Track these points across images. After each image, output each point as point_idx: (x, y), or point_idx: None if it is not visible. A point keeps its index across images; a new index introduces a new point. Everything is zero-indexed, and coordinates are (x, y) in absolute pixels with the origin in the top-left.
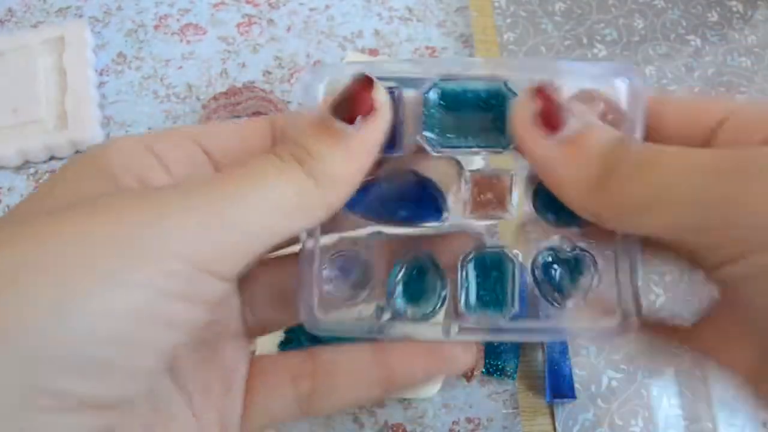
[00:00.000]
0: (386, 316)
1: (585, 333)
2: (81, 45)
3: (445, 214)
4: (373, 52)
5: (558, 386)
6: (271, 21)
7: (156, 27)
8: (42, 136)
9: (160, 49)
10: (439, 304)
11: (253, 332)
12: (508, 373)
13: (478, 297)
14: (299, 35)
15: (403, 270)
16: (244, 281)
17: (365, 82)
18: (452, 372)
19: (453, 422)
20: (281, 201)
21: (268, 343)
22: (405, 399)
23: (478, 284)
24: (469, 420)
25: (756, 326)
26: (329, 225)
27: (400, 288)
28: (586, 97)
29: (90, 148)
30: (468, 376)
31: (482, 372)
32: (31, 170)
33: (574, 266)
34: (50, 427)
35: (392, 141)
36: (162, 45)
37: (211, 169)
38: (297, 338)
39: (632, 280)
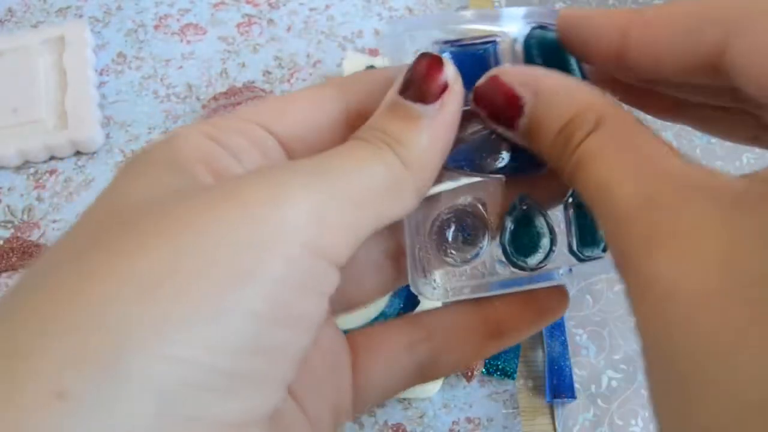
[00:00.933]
0: (498, 271)
1: None
2: (81, 45)
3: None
4: (373, 52)
5: (558, 386)
6: (271, 21)
7: (156, 27)
8: (42, 136)
9: (160, 49)
10: (549, 251)
11: (336, 312)
12: (508, 373)
13: (589, 235)
14: (299, 35)
15: (512, 220)
16: None
17: (434, 62)
18: (552, 320)
19: (453, 422)
20: (383, 184)
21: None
22: (405, 399)
23: (585, 225)
24: (469, 420)
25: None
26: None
27: (508, 238)
28: None
29: (153, 143)
30: (468, 376)
31: (482, 372)
32: (31, 170)
33: None
34: None
35: None
36: (162, 45)
37: (282, 153)
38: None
39: None
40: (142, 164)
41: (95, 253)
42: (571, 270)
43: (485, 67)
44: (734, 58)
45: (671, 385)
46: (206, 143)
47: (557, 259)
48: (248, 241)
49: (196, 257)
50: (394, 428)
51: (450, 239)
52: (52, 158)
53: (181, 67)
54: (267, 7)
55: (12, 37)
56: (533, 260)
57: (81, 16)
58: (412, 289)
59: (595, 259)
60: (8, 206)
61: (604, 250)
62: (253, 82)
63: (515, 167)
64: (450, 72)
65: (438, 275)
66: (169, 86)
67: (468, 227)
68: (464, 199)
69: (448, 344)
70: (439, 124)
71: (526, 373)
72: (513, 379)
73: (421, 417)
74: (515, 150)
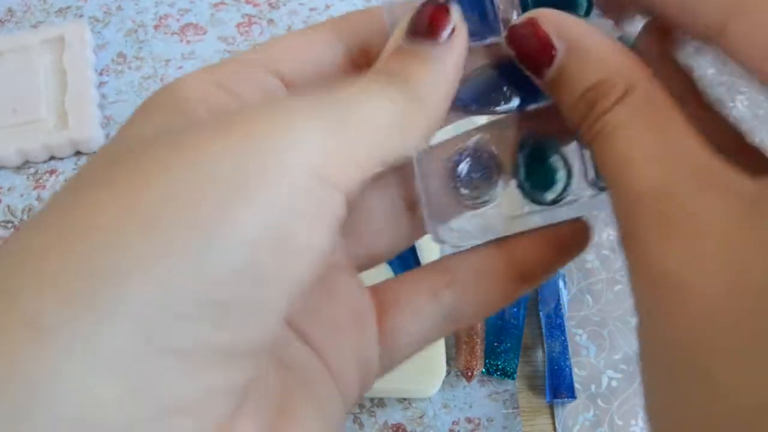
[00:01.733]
0: (519, 209)
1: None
2: (81, 45)
3: None
4: None
5: (558, 386)
6: (271, 21)
7: (156, 27)
8: (42, 136)
9: (160, 49)
10: (566, 184)
11: (358, 266)
12: (508, 373)
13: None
14: None
15: (525, 156)
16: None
17: (441, 4)
18: (577, 254)
19: (453, 422)
20: (390, 118)
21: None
22: (405, 399)
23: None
24: (469, 420)
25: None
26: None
27: (524, 175)
28: None
29: (159, 89)
30: (468, 376)
31: (482, 372)
32: (31, 170)
33: None
34: (183, 387)
35: (489, 27)
36: (162, 45)
37: (286, 93)
38: None
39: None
40: (145, 109)
41: (87, 191)
42: (601, 191)
43: (481, 7)
44: (734, 38)
45: (666, 373)
46: (209, 86)
47: (576, 192)
48: (249, 168)
49: (190, 185)
50: (394, 428)
51: (463, 181)
52: (52, 158)
53: (181, 67)
54: (267, 7)
55: (12, 37)
56: (551, 194)
57: (81, 16)
58: (431, 236)
59: None
60: (8, 206)
61: None
62: None
63: (524, 101)
64: (455, 14)
65: (454, 220)
66: None
67: (481, 167)
68: (474, 139)
69: (472, 288)
70: (446, 63)
71: (526, 373)
72: (513, 379)
73: (421, 417)
74: (522, 84)
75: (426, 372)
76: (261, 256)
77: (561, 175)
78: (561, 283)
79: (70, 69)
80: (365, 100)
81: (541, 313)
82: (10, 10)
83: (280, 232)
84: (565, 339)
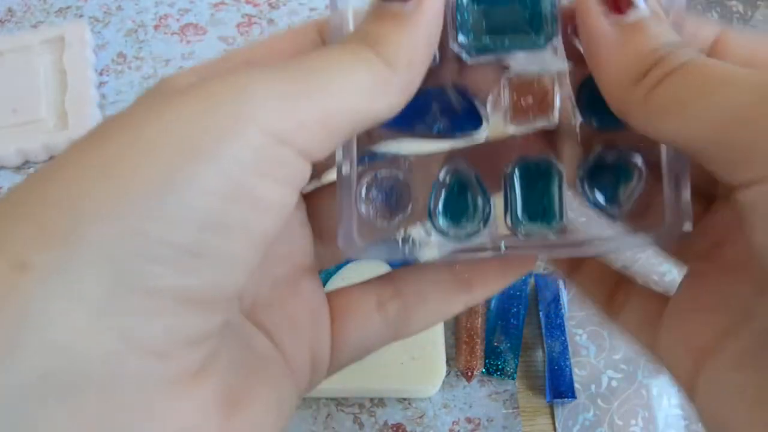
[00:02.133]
0: (428, 236)
1: (633, 243)
2: (81, 45)
3: (484, 124)
4: None
5: (558, 386)
6: (271, 21)
7: (156, 27)
8: (42, 136)
9: (160, 49)
10: (483, 222)
11: (322, 263)
12: (508, 373)
13: (525, 210)
14: None
15: (443, 187)
16: (312, 216)
17: None
18: (521, 275)
19: (453, 422)
20: (360, 82)
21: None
22: (405, 399)
23: (523, 197)
24: (469, 420)
25: (756, 252)
26: (366, 144)
27: (441, 207)
28: None
29: (149, 89)
30: (468, 376)
31: (482, 372)
32: (31, 170)
33: (620, 173)
34: (152, 328)
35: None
36: (162, 45)
37: None
38: None
39: (679, 188)
40: (137, 99)
41: (65, 154)
42: (505, 248)
43: None
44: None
45: None
46: (194, 80)
47: (491, 234)
48: (207, 125)
49: (153, 139)
50: (394, 428)
51: (374, 203)
52: (52, 158)
53: (181, 67)
54: (267, 7)
55: (12, 37)
56: (466, 228)
57: (81, 16)
58: (340, 248)
59: (539, 234)
60: None
61: (548, 223)
62: None
63: (452, 129)
64: None
65: (362, 238)
66: None
67: (394, 192)
68: (396, 162)
69: (418, 299)
70: (420, 21)
71: (526, 373)
72: (513, 379)
73: (421, 417)
74: (452, 113)
75: (426, 372)
76: (220, 206)
77: (478, 209)
78: (561, 283)
79: (70, 69)
80: (334, 64)
81: (541, 313)
82: (10, 10)
83: (237, 185)
84: (565, 339)
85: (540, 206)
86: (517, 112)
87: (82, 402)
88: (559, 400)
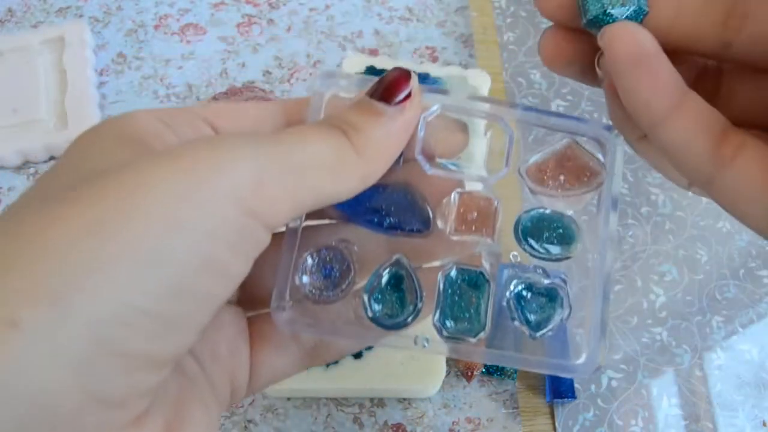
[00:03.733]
0: (359, 318)
1: (548, 368)
2: (81, 45)
3: (430, 229)
4: (373, 52)
5: (558, 386)
6: (271, 21)
7: (156, 27)
8: (42, 136)
9: (160, 49)
10: (412, 316)
11: (245, 305)
12: (508, 373)
13: (453, 314)
14: (299, 35)
15: (382, 276)
16: None
17: (404, 72)
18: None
19: (453, 422)
20: (327, 161)
21: None
22: (405, 399)
23: (453, 302)
24: (469, 420)
25: None
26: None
27: (377, 294)
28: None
29: (100, 122)
30: (468, 376)
31: (482, 372)
32: (31, 170)
33: (546, 298)
34: (117, 385)
35: None
36: (162, 45)
37: None
38: None
39: (602, 318)
40: (93, 137)
41: (53, 207)
42: (427, 342)
43: None
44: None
45: None
46: (155, 123)
47: (421, 327)
48: (184, 196)
49: (139, 206)
50: (394, 428)
51: (309, 274)
52: (52, 158)
53: (181, 67)
54: (267, 7)
55: (12, 37)
56: (395, 319)
57: (81, 16)
58: (271, 310)
59: (460, 339)
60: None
61: (471, 331)
62: (253, 82)
63: (401, 227)
64: (415, 84)
65: (291, 309)
66: (169, 86)
67: (328, 269)
68: (339, 240)
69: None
70: (396, 123)
71: (526, 373)
72: (513, 379)
73: (421, 417)
74: (404, 212)
75: (426, 372)
76: (192, 277)
77: (408, 306)
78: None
79: (70, 69)
80: (305, 141)
81: None
82: (10, 10)
83: (206, 256)
84: (566, 339)
85: (467, 314)
86: (461, 225)
87: None
88: (559, 400)
